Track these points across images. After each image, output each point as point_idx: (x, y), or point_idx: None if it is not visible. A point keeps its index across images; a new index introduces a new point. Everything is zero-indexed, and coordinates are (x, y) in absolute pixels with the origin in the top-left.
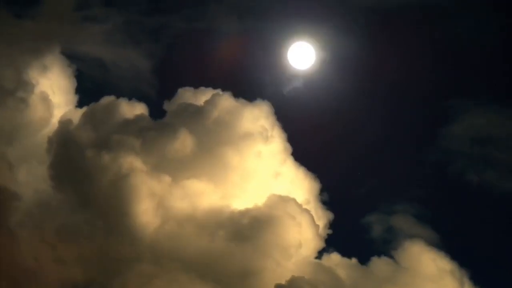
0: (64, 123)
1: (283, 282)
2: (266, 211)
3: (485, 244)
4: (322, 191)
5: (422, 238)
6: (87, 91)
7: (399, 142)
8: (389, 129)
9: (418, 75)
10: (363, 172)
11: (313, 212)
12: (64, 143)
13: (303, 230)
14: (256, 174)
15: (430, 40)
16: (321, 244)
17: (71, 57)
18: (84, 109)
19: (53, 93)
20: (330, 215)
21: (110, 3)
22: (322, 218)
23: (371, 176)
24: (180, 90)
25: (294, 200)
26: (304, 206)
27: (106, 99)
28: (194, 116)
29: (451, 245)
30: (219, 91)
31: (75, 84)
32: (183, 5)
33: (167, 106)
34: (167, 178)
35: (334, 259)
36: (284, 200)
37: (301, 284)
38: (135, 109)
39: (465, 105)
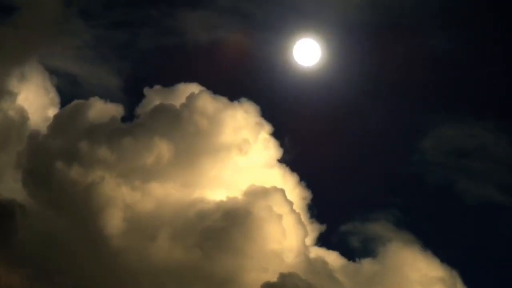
0: (33, 135)
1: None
2: (244, 207)
3: (461, 245)
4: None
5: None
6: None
7: (377, 154)
8: (368, 141)
9: (392, 90)
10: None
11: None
12: (34, 155)
13: (288, 226)
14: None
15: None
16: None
17: (48, 69)
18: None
19: (29, 103)
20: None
21: (86, 16)
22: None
23: (351, 186)
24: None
25: (280, 192)
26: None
27: (74, 103)
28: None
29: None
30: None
31: (51, 95)
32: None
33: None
34: (137, 184)
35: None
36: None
37: (292, 281)
38: (106, 113)
39: (439, 119)
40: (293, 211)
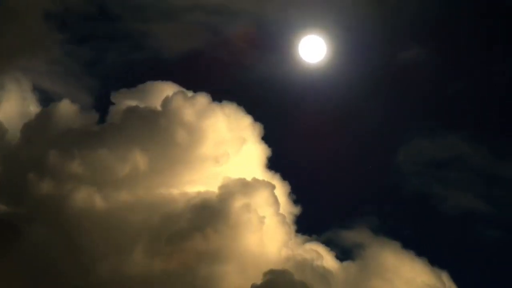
0: (5, 147)
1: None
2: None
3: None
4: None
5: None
6: None
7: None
8: (348, 154)
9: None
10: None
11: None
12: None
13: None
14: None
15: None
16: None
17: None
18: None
19: (6, 116)
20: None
21: (65, 31)
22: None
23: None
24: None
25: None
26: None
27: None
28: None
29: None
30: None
31: (29, 107)
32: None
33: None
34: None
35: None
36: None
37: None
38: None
39: (415, 131)
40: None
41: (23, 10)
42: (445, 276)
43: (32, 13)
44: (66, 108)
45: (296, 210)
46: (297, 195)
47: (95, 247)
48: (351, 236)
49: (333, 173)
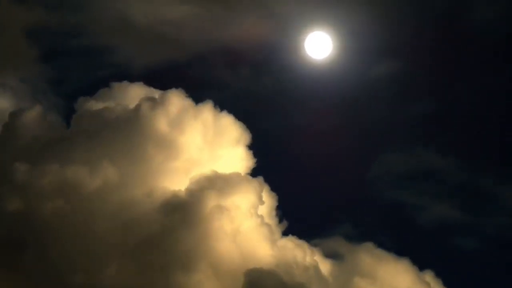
0: None
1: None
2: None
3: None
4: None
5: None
6: None
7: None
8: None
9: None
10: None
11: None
12: None
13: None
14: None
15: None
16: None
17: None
18: None
19: None
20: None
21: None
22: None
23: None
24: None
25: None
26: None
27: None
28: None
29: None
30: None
31: None
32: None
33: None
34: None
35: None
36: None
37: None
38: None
39: (387, 148)
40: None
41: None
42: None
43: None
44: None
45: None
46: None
47: (65, 259)
48: (326, 244)
49: (309, 181)
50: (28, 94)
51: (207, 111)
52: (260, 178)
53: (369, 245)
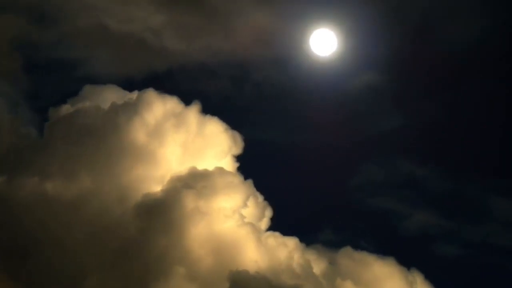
0: None
1: None
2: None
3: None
4: None
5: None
6: None
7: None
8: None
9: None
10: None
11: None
12: None
13: None
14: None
15: None
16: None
17: None
18: None
19: None
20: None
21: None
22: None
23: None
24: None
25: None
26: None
27: None
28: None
29: None
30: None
31: None
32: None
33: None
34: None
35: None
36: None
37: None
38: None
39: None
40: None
41: None
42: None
43: None
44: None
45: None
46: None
47: (46, 272)
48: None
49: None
50: (2, 108)
51: (192, 114)
52: (250, 181)
53: (349, 249)
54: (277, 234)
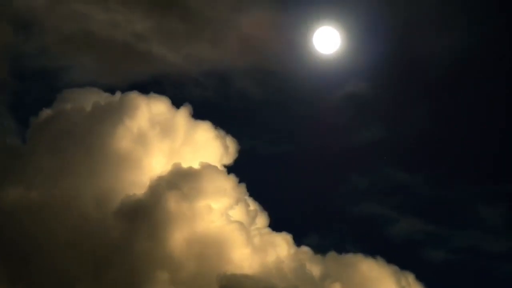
0: None
1: None
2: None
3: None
4: None
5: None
6: None
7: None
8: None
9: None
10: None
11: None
12: None
13: None
14: None
15: None
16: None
17: None
18: None
19: None
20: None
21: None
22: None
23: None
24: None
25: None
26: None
27: None
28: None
29: None
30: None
31: None
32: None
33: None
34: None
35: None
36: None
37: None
38: None
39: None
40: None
41: None
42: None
43: None
44: None
45: None
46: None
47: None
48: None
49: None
50: None
51: (181, 117)
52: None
53: (334, 254)
54: (267, 232)
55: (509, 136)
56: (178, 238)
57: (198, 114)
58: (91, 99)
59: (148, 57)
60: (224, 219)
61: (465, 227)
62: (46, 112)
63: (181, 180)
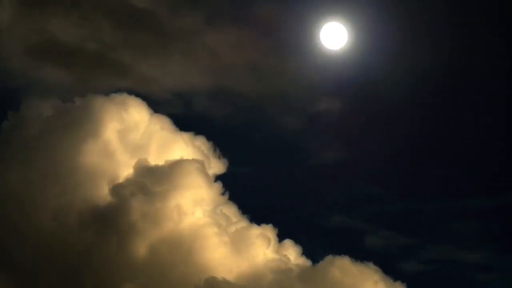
0: None
1: None
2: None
3: None
4: None
5: None
6: None
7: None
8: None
9: None
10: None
11: None
12: None
13: None
14: None
15: None
16: None
17: None
18: None
19: None
20: None
21: None
22: None
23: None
24: None
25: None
26: None
27: None
28: None
29: None
30: None
31: None
32: None
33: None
34: None
35: None
36: None
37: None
38: None
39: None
40: None
41: None
42: None
43: None
44: None
45: None
46: None
47: None
48: None
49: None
50: None
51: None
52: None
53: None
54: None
55: (480, 153)
56: (145, 244)
57: None
58: (54, 108)
59: (121, 67)
60: (197, 216)
61: (437, 240)
62: (4, 123)
63: (145, 178)
